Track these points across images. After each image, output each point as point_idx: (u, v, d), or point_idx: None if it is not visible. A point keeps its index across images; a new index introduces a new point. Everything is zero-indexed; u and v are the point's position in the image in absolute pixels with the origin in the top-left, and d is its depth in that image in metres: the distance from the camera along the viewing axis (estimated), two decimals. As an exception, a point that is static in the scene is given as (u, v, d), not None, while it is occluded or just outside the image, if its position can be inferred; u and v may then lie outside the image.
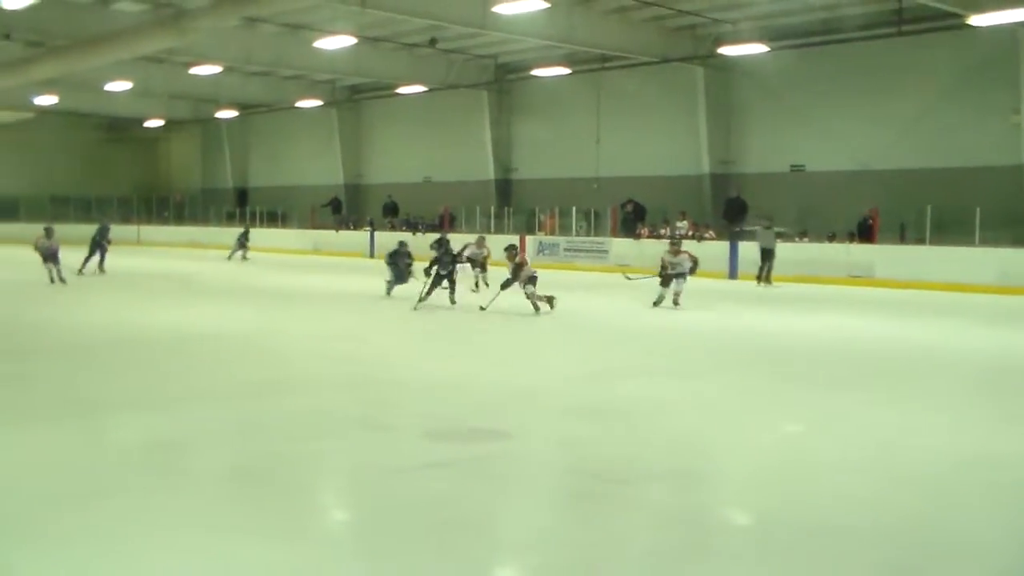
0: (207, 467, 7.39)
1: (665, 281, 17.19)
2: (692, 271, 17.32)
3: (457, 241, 19.67)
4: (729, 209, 26.11)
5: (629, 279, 18.84)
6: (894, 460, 7.31)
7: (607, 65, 29.01)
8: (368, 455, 7.41)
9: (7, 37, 26.79)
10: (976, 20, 20.42)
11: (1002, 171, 22.72)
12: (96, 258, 23.50)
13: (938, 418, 9.00)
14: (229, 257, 31.25)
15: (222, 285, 22.28)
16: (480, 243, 20.38)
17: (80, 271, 22.68)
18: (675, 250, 17.30)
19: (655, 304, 17.07)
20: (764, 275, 22.44)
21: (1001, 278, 20.33)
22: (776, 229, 23.05)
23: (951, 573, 5.16)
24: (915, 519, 6.04)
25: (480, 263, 19.93)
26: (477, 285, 19.41)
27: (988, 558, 5.30)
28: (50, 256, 20.75)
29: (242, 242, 31.62)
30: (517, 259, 16.04)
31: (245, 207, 42.48)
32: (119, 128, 45.87)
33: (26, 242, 22.79)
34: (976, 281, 20.34)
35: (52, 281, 20.51)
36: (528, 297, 15.62)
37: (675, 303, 17.02)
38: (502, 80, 33.01)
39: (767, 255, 22.52)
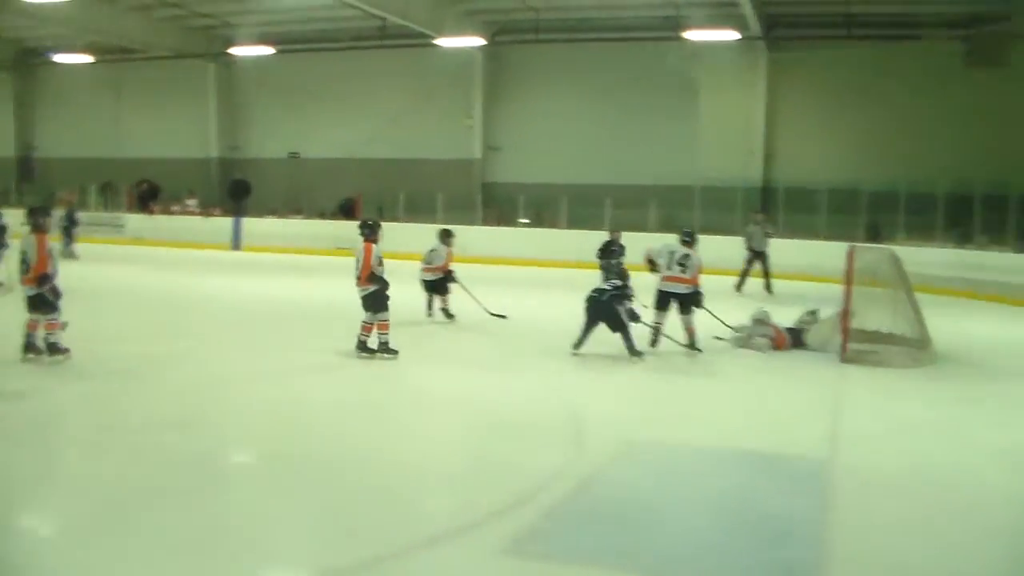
0: None
1: (661, 302, 9.88)
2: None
3: None
4: (234, 190, 26.12)
5: None
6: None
7: (129, 56, 27.55)
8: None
9: None
10: (441, 41, 22.45)
11: (458, 164, 24.96)
12: None
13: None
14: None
15: None
16: None
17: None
18: (687, 241, 10.05)
19: (686, 344, 9.93)
20: (765, 282, 16.42)
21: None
22: (767, 229, 16.96)
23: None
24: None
25: None
26: None
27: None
28: None
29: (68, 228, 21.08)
30: None
31: None
32: None
33: None
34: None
35: None
36: None
37: (691, 345, 9.87)
38: (24, 63, 30.13)
39: (758, 257, 16.64)
